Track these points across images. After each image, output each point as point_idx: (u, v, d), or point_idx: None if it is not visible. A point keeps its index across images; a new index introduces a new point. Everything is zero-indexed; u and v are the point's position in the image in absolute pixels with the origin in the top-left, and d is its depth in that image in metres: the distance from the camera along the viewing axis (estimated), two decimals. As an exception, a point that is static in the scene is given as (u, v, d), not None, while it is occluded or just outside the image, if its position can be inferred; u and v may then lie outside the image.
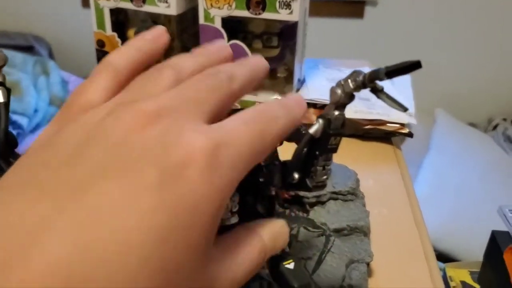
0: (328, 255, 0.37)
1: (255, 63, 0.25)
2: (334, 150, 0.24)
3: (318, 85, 0.66)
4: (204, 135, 0.18)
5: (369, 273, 0.39)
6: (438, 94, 1.86)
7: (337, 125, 0.23)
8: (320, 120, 0.23)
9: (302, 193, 0.43)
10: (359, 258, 0.38)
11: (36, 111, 1.56)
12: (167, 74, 0.21)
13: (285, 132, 0.22)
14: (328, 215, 0.41)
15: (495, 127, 1.85)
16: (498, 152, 1.68)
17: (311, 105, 0.61)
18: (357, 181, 0.45)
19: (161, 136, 0.18)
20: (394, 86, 0.66)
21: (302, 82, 0.66)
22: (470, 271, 0.68)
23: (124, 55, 0.23)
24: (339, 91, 0.22)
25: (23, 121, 1.27)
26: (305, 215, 0.42)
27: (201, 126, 0.19)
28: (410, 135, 0.56)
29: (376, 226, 0.43)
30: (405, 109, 0.20)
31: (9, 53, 1.54)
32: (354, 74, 0.22)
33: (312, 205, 0.43)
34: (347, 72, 0.76)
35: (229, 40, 0.60)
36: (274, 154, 0.29)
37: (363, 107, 0.59)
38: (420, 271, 0.40)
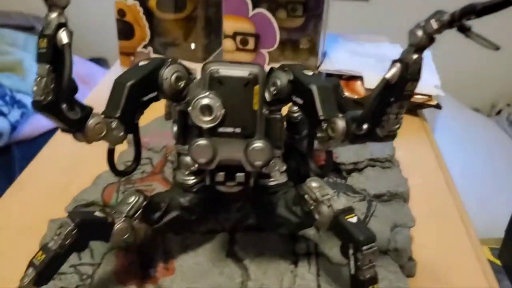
0: (371, 219, 0.36)
1: None
2: (410, 97, 0.23)
3: (340, 57, 0.65)
4: None
5: (410, 239, 0.38)
6: (442, 79, 1.85)
7: (415, 69, 0.22)
8: (398, 64, 0.22)
9: (339, 160, 0.42)
10: (401, 223, 0.37)
11: (39, 91, 1.54)
12: None
13: None
14: (367, 181, 0.41)
15: (498, 112, 1.85)
16: (502, 137, 1.67)
17: (337, 76, 0.60)
18: (394, 149, 0.45)
19: None
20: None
21: (324, 54, 0.65)
22: (490, 247, 0.67)
23: None
24: (419, 33, 0.21)
25: (27, 100, 1.24)
26: (343, 181, 0.41)
27: None
28: (438, 106, 0.56)
29: (411, 194, 0.42)
30: (497, 48, 0.20)
31: (12, 33, 1.51)
32: (438, 14, 0.21)
33: (349, 171, 0.42)
34: (366, 45, 0.74)
35: (253, 9, 0.58)
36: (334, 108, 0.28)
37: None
38: (457, 235, 0.40)
